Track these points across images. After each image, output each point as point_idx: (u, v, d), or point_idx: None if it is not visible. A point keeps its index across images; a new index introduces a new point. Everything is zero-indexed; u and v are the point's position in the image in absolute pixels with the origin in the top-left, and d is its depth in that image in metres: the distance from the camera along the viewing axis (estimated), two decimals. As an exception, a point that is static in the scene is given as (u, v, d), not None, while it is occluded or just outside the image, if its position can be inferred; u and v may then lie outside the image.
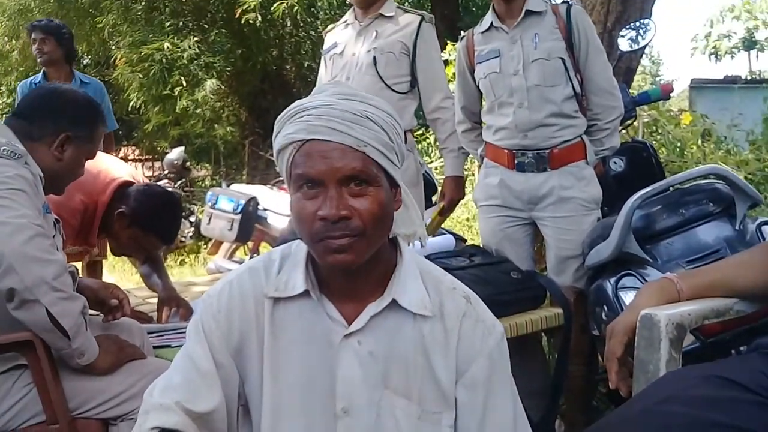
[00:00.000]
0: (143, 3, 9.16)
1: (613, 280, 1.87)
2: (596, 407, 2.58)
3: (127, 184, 2.21)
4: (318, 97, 1.04)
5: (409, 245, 1.16)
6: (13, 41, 9.56)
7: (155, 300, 2.39)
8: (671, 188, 2.02)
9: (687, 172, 2.00)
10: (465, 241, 3.14)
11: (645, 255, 1.85)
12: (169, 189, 2.49)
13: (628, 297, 1.80)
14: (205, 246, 6.50)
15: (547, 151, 2.26)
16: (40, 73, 3.91)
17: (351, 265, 1.02)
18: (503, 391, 1.11)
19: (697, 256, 1.79)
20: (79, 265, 3.02)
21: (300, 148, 1.01)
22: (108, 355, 1.59)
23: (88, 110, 1.79)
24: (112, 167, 2.25)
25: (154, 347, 1.93)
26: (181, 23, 9.11)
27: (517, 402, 1.13)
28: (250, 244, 4.72)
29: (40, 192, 1.60)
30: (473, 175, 6.09)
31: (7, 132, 1.65)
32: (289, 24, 9.42)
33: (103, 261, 3.30)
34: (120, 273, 6.24)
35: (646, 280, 1.77)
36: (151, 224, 2.16)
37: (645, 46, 2.97)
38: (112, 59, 9.02)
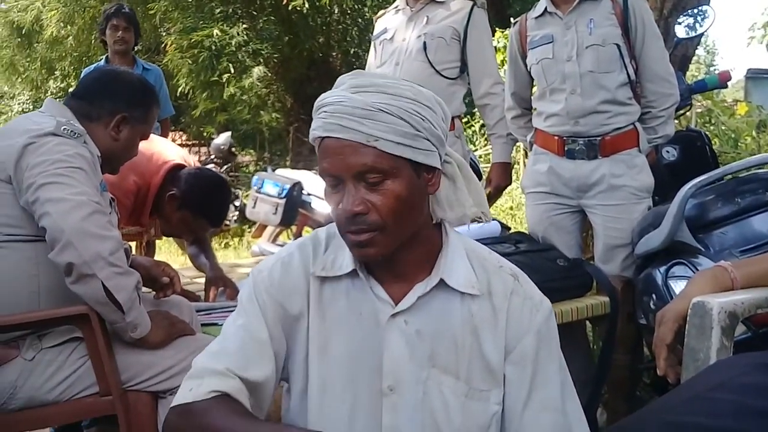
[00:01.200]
0: (194, -10, 9.31)
1: (663, 269, 1.83)
2: (639, 397, 2.54)
3: (178, 167, 2.26)
4: (334, 92, 1.03)
5: (466, 228, 1.16)
6: (68, 27, 9.81)
7: (202, 280, 2.44)
8: (726, 177, 1.97)
9: (744, 160, 1.94)
10: (509, 229, 3.11)
11: (697, 244, 1.81)
12: (219, 175, 2.52)
13: (678, 286, 1.77)
14: (249, 229, 6.60)
15: (599, 138, 2.22)
16: (103, 60, 4.00)
17: (375, 258, 1.04)
18: (551, 367, 1.11)
19: (751, 246, 1.75)
20: (133, 245, 3.12)
21: (320, 144, 1.03)
22: (159, 330, 1.64)
23: (143, 92, 1.84)
24: (165, 150, 2.30)
25: (202, 325, 1.97)
26: (230, 10, 9.21)
27: (566, 378, 1.12)
28: (294, 228, 4.76)
29: (98, 171, 1.65)
30: (518, 163, 6.05)
31: (67, 112, 1.70)
32: (336, 11, 9.45)
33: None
34: (167, 254, 6.39)
35: (697, 270, 1.73)
36: (200, 207, 2.20)
37: (702, 34, 2.89)
38: (163, 45, 9.19)
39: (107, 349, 1.57)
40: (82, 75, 3.86)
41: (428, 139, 1.03)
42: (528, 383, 1.09)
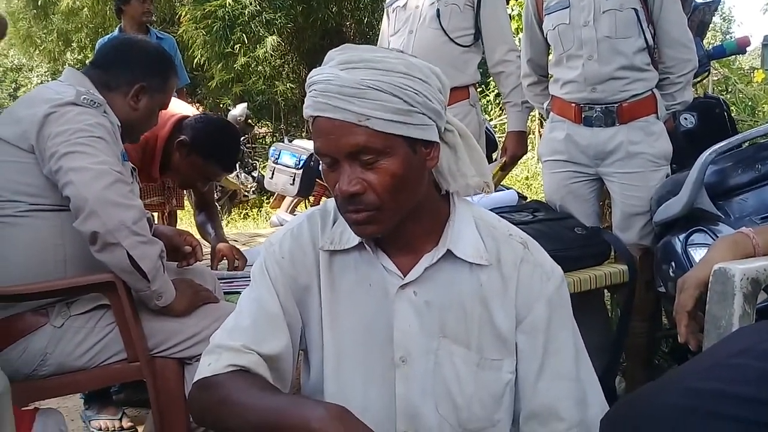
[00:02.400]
0: (207, -41, 9.22)
1: (682, 236, 1.82)
2: (658, 365, 2.55)
3: (185, 118, 2.23)
4: (323, 69, 1.00)
5: (482, 196, 1.15)
6: (84, -2, 9.79)
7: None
8: (746, 144, 1.95)
9: (765, 126, 1.92)
10: (526, 198, 3.11)
11: (717, 211, 1.80)
12: (225, 119, 2.47)
13: (697, 253, 1.76)
14: (267, 200, 6.64)
15: (616, 105, 2.20)
16: (116, 30, 4.01)
17: (375, 236, 1.04)
18: (563, 335, 1.11)
19: (772, 213, 1.73)
20: (156, 215, 3.14)
21: (313, 122, 1.01)
22: (184, 298, 1.67)
23: (161, 61, 1.84)
24: (175, 107, 2.28)
25: (225, 293, 2.00)
26: (243, -21, 9.14)
27: (579, 345, 1.12)
28: (312, 198, 4.78)
29: (119, 140, 1.67)
30: (533, 133, 6.00)
31: (86, 81, 1.72)
32: (349, -21, 9.35)
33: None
34: (189, 225, 6.43)
35: (717, 237, 1.72)
36: (210, 150, 2.15)
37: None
38: (177, 17, 9.16)
39: (134, 316, 1.60)
40: (97, 45, 3.89)
41: (423, 113, 1.00)
42: (541, 352, 1.09)
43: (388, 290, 1.09)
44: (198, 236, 2.27)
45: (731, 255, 1.22)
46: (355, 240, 1.10)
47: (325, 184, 3.70)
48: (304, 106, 1.02)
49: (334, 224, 1.13)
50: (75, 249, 1.60)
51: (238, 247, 2.36)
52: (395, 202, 1.01)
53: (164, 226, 2.28)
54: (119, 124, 1.70)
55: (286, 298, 1.11)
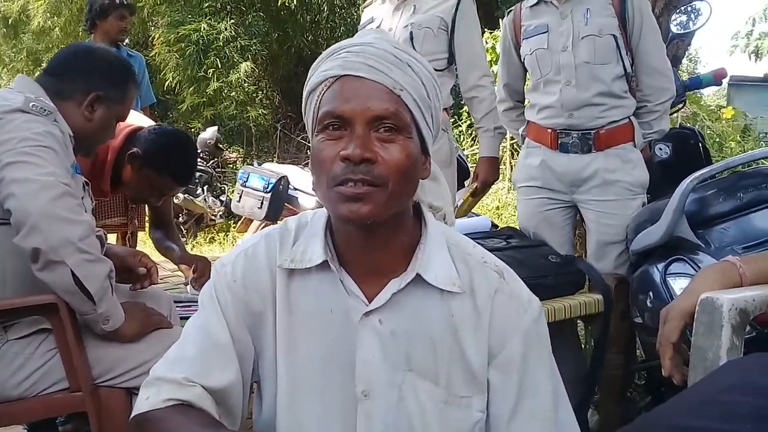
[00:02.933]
0: (183, -18, 9.21)
1: (661, 265, 1.77)
2: (631, 398, 2.49)
3: (139, 129, 2.10)
4: (360, 38, 0.97)
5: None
6: (55, 18, 9.68)
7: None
8: (726, 171, 1.91)
9: (746, 154, 1.90)
10: (497, 227, 3.06)
11: (697, 240, 1.75)
12: (181, 131, 2.35)
13: (677, 283, 1.71)
14: (234, 225, 6.53)
15: (593, 131, 2.17)
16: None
17: (366, 218, 0.92)
18: (540, 373, 1.01)
19: (753, 242, 1.69)
20: (115, 236, 3.01)
21: (331, 85, 0.94)
22: (134, 322, 1.55)
23: (119, 70, 1.75)
24: (131, 118, 2.17)
25: (182, 318, 1.89)
26: (218, 4, 9.13)
27: (558, 385, 1.03)
28: (280, 222, 4.70)
29: (70, 151, 1.56)
30: (503, 163, 6.01)
31: (38, 89, 1.61)
32: (325, 9, 9.38)
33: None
34: (151, 247, 6.29)
35: (698, 266, 1.68)
36: (163, 163, 2.02)
37: (696, 30, 2.84)
38: (151, 39, 9.09)
39: (77, 341, 1.48)
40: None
41: (432, 117, 0.98)
42: (515, 391, 1.00)
43: (351, 317, 1.00)
44: (157, 256, 2.15)
45: (717, 284, 1.16)
46: (318, 258, 1.00)
47: (294, 209, 3.60)
48: (321, 70, 0.96)
49: (295, 243, 1.03)
50: (16, 267, 1.48)
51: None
52: (399, 185, 0.93)
53: (118, 246, 2.17)
54: (72, 134, 1.59)
55: (237, 326, 1.01)
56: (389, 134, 0.92)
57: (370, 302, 1.00)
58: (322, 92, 0.95)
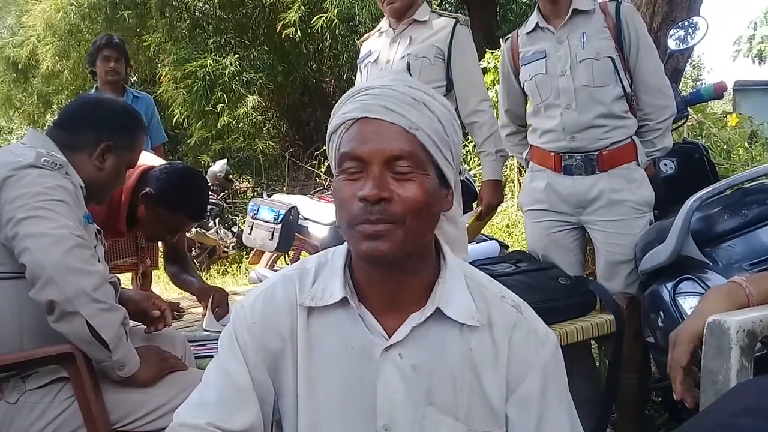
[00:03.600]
0: (187, 21, 9.34)
1: (670, 285, 1.77)
2: (649, 416, 2.48)
3: (151, 169, 2.15)
4: (379, 81, 1.01)
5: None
6: (64, 61, 9.81)
7: (198, 310, 2.37)
8: (730, 189, 1.92)
9: (750, 170, 1.89)
10: (507, 247, 3.06)
11: (704, 258, 1.75)
12: (191, 167, 2.40)
13: (686, 302, 1.71)
14: (247, 256, 6.55)
15: (596, 153, 2.18)
16: (93, 91, 3.97)
17: (386, 255, 0.95)
18: (559, 408, 1.03)
19: (760, 259, 1.68)
20: (129, 276, 3.04)
21: (350, 127, 0.98)
22: (149, 367, 1.57)
23: (128, 119, 1.79)
24: (142, 159, 2.21)
25: (196, 357, 1.91)
26: (223, 40, 9.24)
27: (574, 420, 1.05)
28: (291, 253, 4.71)
29: (81, 202, 1.59)
30: (512, 181, 6.02)
31: (48, 143, 1.65)
32: (328, 38, 9.48)
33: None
34: (165, 283, 6.31)
35: (706, 285, 1.68)
36: (176, 202, 2.07)
37: (694, 45, 2.86)
38: (158, 76, 9.21)
39: (94, 389, 1.50)
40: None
41: (452, 153, 1.01)
42: (534, 426, 1.01)
43: (372, 353, 1.01)
44: (172, 291, 2.18)
45: (725, 306, 1.16)
46: (338, 295, 1.02)
47: (305, 239, 3.61)
48: (342, 112, 1.00)
49: (314, 282, 1.06)
50: (32, 319, 1.50)
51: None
52: (416, 222, 0.95)
53: (131, 290, 2.20)
54: (83, 185, 1.63)
55: (257, 367, 1.03)
56: (405, 173, 0.95)
57: (390, 336, 1.02)
58: (342, 134, 0.99)
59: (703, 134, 5.72)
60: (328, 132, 1.03)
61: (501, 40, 2.69)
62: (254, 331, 1.04)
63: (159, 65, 9.54)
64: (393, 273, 1.00)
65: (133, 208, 2.10)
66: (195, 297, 2.39)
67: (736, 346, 1.08)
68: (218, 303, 2.21)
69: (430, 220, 0.99)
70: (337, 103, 1.03)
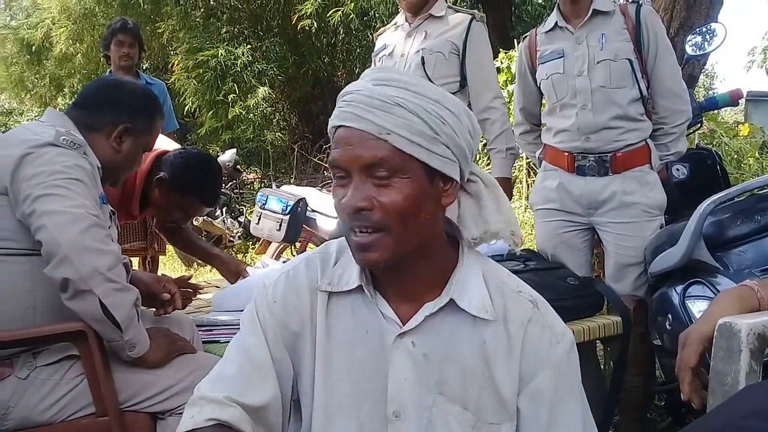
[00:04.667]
0: (202, 9, 9.36)
1: (679, 288, 1.77)
2: (651, 419, 2.48)
3: (165, 153, 2.17)
4: (358, 83, 0.99)
5: (484, 244, 1.08)
6: (77, 44, 9.85)
7: (205, 296, 2.38)
8: (745, 194, 1.92)
9: (764, 177, 1.90)
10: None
11: (715, 263, 1.76)
12: (206, 153, 2.43)
13: (696, 306, 1.71)
14: (253, 246, 6.57)
15: (610, 154, 2.18)
16: (108, 74, 3.98)
17: (378, 264, 0.96)
18: (572, 406, 1.02)
19: (772, 265, 1.69)
20: (136, 260, 3.06)
21: (334, 134, 0.98)
22: (159, 349, 1.58)
23: (146, 102, 1.80)
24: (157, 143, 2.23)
25: (204, 342, 1.92)
26: (236, 30, 9.26)
27: (588, 421, 1.04)
28: (298, 244, 4.72)
29: (98, 182, 1.60)
30: (520, 182, 6.02)
31: (67, 122, 1.66)
32: (342, 32, 9.48)
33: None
34: (171, 270, 6.35)
35: (716, 289, 1.68)
36: (189, 186, 2.10)
37: (712, 51, 2.85)
38: (170, 65, 9.23)
39: (104, 367, 1.51)
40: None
41: (447, 146, 0.97)
42: (545, 422, 1.01)
43: (385, 338, 1.03)
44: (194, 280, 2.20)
45: (735, 309, 1.16)
46: (355, 282, 1.04)
47: (312, 231, 3.62)
48: (331, 117, 1.00)
49: (335, 265, 1.08)
50: (46, 296, 1.51)
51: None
52: (402, 226, 0.95)
53: (142, 272, 2.21)
54: (99, 166, 1.64)
55: (276, 345, 1.05)
56: (384, 178, 0.94)
57: (404, 324, 1.03)
58: (332, 140, 0.99)
59: (715, 143, 5.71)
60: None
61: (515, 40, 2.69)
62: (275, 310, 1.06)
63: (172, 53, 9.56)
64: (398, 270, 1.01)
65: (146, 191, 2.12)
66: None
67: (746, 349, 1.08)
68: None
69: (420, 220, 0.97)
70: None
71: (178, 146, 2.36)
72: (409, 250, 0.98)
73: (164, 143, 2.25)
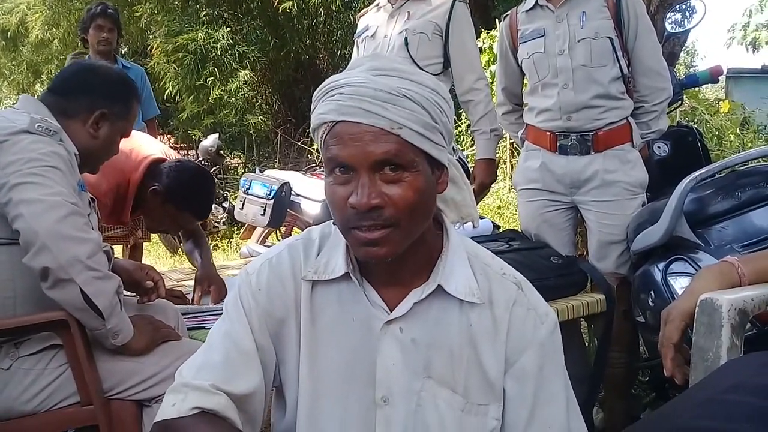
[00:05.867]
0: (180, -8, 9.23)
1: (661, 265, 1.79)
2: (635, 395, 2.51)
3: (159, 161, 2.17)
4: (352, 73, 0.95)
5: (460, 227, 1.09)
6: (54, 29, 9.69)
7: (189, 283, 2.38)
8: (725, 171, 1.93)
9: (744, 153, 1.91)
10: (499, 228, 3.07)
11: (697, 239, 1.77)
12: (201, 164, 2.45)
13: (678, 282, 1.73)
14: (237, 231, 6.55)
15: (592, 133, 2.19)
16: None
17: (384, 259, 0.95)
18: (556, 384, 1.04)
19: (752, 240, 1.71)
20: (119, 248, 3.03)
21: (331, 129, 0.93)
22: (142, 336, 1.57)
23: (123, 87, 1.77)
24: (145, 145, 2.22)
25: (189, 329, 1.92)
26: (215, 13, 9.14)
27: (570, 395, 1.06)
28: (283, 229, 4.70)
29: (75, 169, 1.57)
30: (504, 163, 6.03)
31: (42, 108, 1.63)
32: (323, 13, 9.39)
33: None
34: (155, 257, 6.31)
35: (698, 265, 1.70)
36: (185, 201, 2.12)
37: (692, 28, 2.86)
38: (149, 48, 9.11)
39: (87, 356, 1.50)
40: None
41: (442, 134, 0.96)
42: (530, 400, 1.02)
43: (373, 325, 1.02)
44: (178, 269, 2.19)
45: (717, 285, 1.18)
46: (341, 270, 1.03)
47: (297, 215, 3.60)
48: (318, 113, 0.95)
49: (318, 254, 1.06)
50: (26, 285, 1.50)
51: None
52: (413, 221, 0.94)
53: (124, 259, 2.20)
54: (77, 153, 1.61)
55: (261, 333, 1.03)
56: (395, 174, 0.92)
57: (391, 311, 1.02)
58: (325, 134, 0.95)
59: (696, 120, 5.75)
60: (311, 127, 1.00)
61: (497, 19, 2.68)
62: (259, 297, 1.05)
63: (150, 37, 9.43)
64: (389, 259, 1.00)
65: (138, 198, 2.15)
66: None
67: (727, 324, 1.10)
68: (214, 299, 2.17)
69: (425, 212, 0.98)
70: (314, 95, 0.98)
71: (165, 148, 2.36)
72: (411, 242, 0.98)
73: (153, 145, 2.26)
